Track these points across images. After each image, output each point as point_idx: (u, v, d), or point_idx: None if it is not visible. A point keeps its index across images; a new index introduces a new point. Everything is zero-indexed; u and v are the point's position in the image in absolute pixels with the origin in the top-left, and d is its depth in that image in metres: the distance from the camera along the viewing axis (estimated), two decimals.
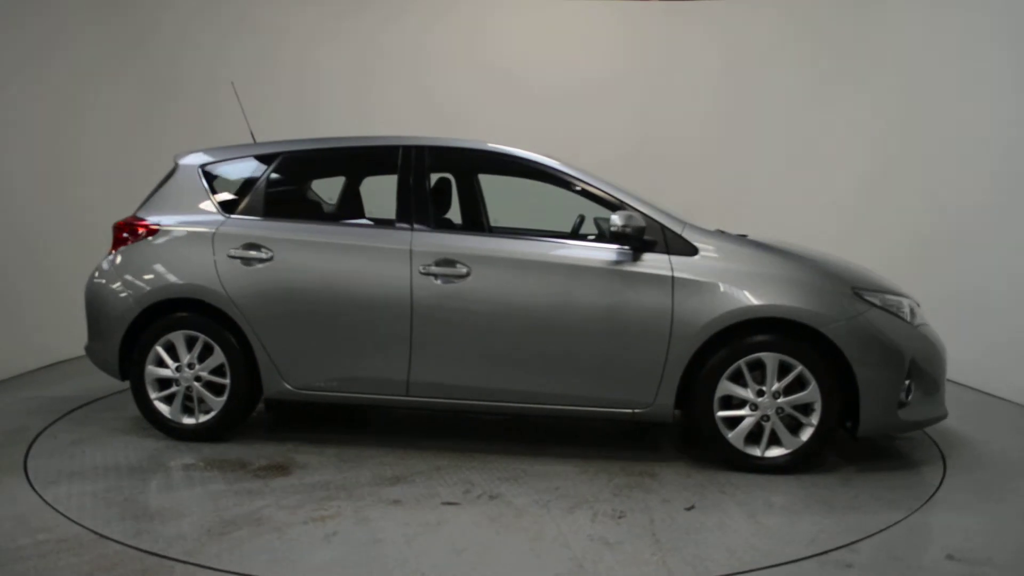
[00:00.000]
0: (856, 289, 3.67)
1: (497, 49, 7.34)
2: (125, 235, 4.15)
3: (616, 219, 3.62)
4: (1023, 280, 5.03)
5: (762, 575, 2.69)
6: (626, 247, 3.73)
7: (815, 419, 3.62)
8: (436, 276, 3.77)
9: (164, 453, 3.85)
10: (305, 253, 3.92)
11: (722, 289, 3.64)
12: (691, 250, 3.72)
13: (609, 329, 3.69)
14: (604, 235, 3.87)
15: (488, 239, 3.89)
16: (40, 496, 3.27)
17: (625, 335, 3.68)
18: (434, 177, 4.31)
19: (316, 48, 7.11)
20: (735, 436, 3.68)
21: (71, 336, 5.54)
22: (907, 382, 3.67)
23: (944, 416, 3.89)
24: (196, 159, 4.25)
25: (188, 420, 4.01)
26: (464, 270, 3.77)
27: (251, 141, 4.40)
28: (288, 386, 3.94)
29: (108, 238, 4.27)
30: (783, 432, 3.65)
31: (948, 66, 5.73)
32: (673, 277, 3.67)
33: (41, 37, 5.74)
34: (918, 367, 3.69)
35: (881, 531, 3.04)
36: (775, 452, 3.67)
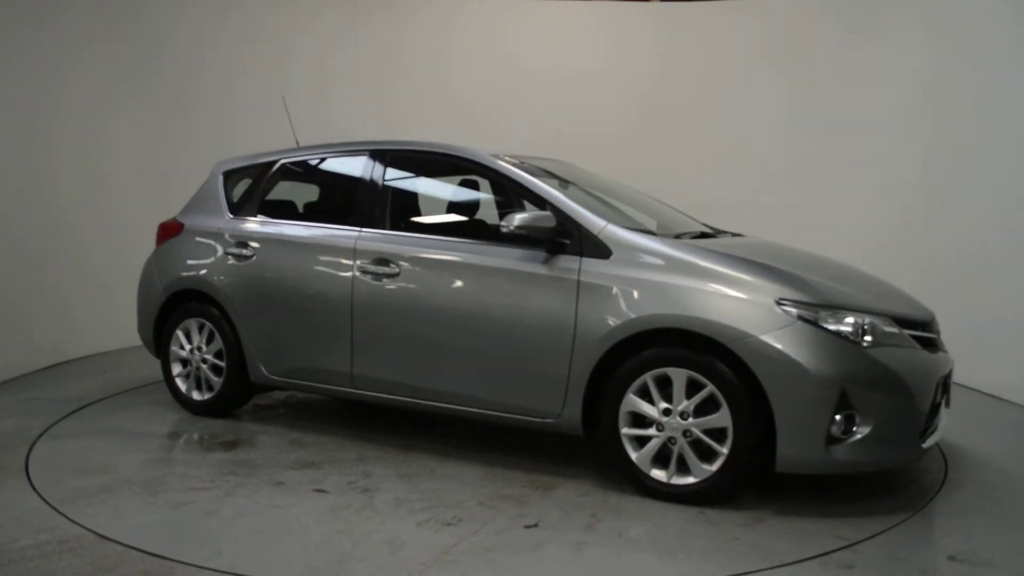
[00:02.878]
0: (783, 300, 3.15)
1: (512, 48, 7.47)
2: (164, 233, 4.85)
3: (514, 219, 3.48)
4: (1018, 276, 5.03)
5: None
6: (540, 249, 3.57)
7: (727, 447, 3.17)
8: (371, 275, 3.92)
9: (168, 425, 4.44)
10: (277, 251, 4.29)
11: (626, 295, 3.34)
12: (605, 252, 3.46)
13: (516, 334, 3.55)
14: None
15: (420, 239, 3.93)
16: (41, 496, 3.27)
17: (530, 341, 3.52)
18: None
19: (331, 52, 7.29)
20: (640, 457, 3.34)
21: (72, 337, 6.03)
22: (849, 413, 3.06)
23: (914, 460, 3.19)
24: (221, 166, 4.83)
25: (197, 396, 4.59)
26: (395, 270, 3.87)
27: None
28: (265, 372, 4.33)
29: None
30: (691, 458, 3.24)
31: (950, 66, 5.77)
32: (579, 281, 3.44)
33: (62, 49, 5.91)
34: (864, 397, 3.05)
35: (883, 532, 3.00)
36: (683, 480, 3.28)
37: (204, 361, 4.53)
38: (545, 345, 3.48)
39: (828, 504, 3.29)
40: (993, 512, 3.27)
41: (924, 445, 3.24)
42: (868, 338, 3.13)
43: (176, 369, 4.66)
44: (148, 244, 4.94)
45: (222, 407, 4.54)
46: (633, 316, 3.30)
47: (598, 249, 3.47)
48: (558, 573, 2.67)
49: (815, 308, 3.13)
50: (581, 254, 3.49)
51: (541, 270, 3.53)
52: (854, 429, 3.08)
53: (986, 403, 5.12)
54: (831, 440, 3.06)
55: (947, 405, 3.40)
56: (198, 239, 4.62)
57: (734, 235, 4.42)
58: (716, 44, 7.26)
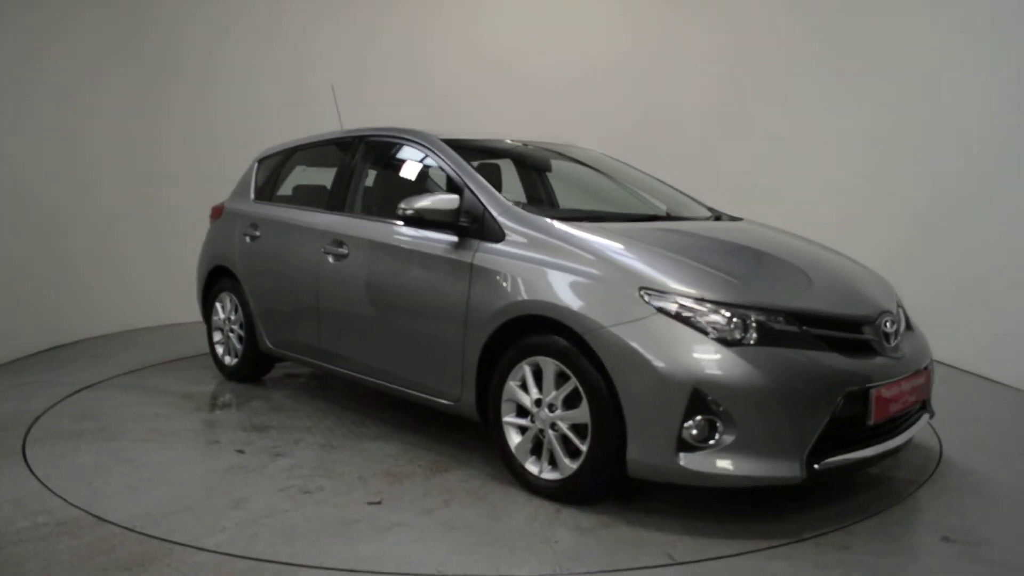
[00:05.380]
0: (646, 289, 2.87)
1: (492, 38, 7.34)
2: (214, 215, 5.42)
3: (413, 202, 3.48)
4: (1023, 264, 4.96)
5: (757, 556, 2.66)
6: (450, 231, 3.55)
7: (587, 444, 2.97)
8: (332, 255, 4.13)
9: (190, 386, 5.00)
10: (276, 232, 4.64)
11: (506, 280, 3.23)
12: (500, 236, 3.36)
13: (426, 315, 3.57)
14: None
15: (363, 222, 4.05)
16: (38, 479, 3.28)
17: (434, 323, 3.52)
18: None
19: (311, 39, 7.18)
20: (518, 447, 3.22)
21: (70, 320, 6.20)
22: (710, 419, 2.73)
23: (792, 480, 2.74)
24: (260, 154, 5.29)
25: (228, 361, 5.11)
26: (346, 251, 4.05)
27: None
28: (268, 344, 4.72)
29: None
30: (558, 453, 3.07)
31: (945, 57, 5.66)
32: (472, 265, 3.38)
33: (41, 30, 5.89)
34: (729, 402, 2.69)
35: (877, 513, 3.02)
36: (551, 475, 3.11)
37: (232, 331, 5.03)
38: (445, 328, 3.46)
39: (699, 515, 2.95)
40: (987, 493, 3.26)
41: (821, 464, 2.78)
42: (744, 335, 2.75)
43: (216, 336, 5.21)
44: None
45: (245, 372, 5.01)
46: (506, 302, 3.19)
47: (495, 233, 3.38)
48: (337, 550, 2.66)
49: (687, 300, 2.81)
50: (481, 237, 3.42)
51: (445, 253, 3.51)
52: (714, 438, 2.74)
53: (980, 385, 5.07)
54: (684, 447, 2.75)
55: (871, 420, 2.88)
56: (231, 221, 5.12)
57: (733, 219, 4.12)
58: (715, 34, 7.15)
